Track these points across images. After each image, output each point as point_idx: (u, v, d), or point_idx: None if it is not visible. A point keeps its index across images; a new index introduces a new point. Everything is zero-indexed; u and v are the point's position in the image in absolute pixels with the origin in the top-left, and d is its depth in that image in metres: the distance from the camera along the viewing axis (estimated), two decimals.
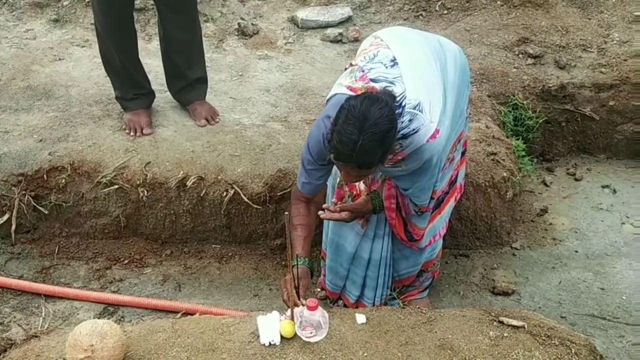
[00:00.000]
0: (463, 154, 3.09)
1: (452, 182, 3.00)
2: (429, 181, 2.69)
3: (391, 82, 2.50)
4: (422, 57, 2.61)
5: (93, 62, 4.28)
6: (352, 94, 2.49)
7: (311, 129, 2.65)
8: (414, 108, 2.45)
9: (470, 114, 3.14)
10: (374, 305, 3.11)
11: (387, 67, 2.55)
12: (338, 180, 2.96)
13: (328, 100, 2.67)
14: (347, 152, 2.31)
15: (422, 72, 2.55)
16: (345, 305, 3.21)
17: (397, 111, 2.39)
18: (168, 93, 3.92)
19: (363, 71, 2.57)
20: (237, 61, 4.53)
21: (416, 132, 2.45)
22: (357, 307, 3.12)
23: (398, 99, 2.44)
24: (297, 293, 2.54)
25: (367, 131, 2.26)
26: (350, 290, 3.16)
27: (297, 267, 2.61)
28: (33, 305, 3.23)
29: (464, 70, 2.82)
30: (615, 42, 4.54)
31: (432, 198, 2.81)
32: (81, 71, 4.27)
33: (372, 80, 2.53)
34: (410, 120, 2.45)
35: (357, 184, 2.91)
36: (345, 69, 2.71)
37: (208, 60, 3.99)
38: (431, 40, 2.75)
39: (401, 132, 2.43)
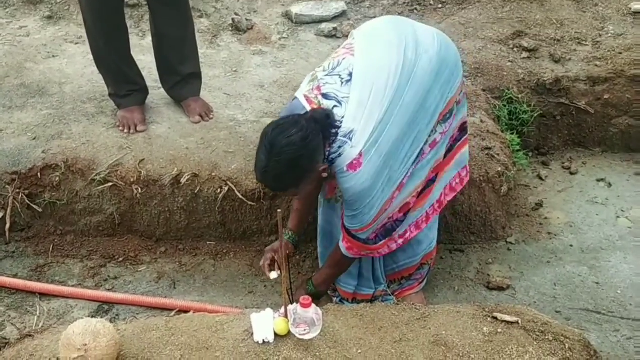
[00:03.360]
0: (465, 131, 3.06)
1: (431, 180, 2.94)
2: (355, 214, 2.68)
3: (339, 102, 2.56)
4: (381, 71, 2.59)
5: (87, 59, 4.26)
6: (307, 103, 2.59)
7: None
8: (345, 136, 2.52)
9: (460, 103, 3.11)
10: (373, 293, 3.16)
11: (342, 84, 2.59)
12: None
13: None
14: (258, 176, 2.52)
15: (369, 97, 2.55)
16: (342, 299, 3.22)
17: (331, 138, 2.51)
18: (162, 89, 3.91)
19: (319, 82, 2.62)
20: (231, 57, 4.52)
21: (339, 155, 2.53)
22: (354, 298, 3.16)
23: (336, 122, 2.52)
24: (291, 295, 2.54)
25: (272, 159, 2.41)
26: (346, 281, 3.16)
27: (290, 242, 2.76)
28: (28, 304, 3.22)
29: (442, 68, 2.71)
30: (610, 35, 4.53)
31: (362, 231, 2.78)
32: (75, 68, 4.26)
33: (323, 95, 2.59)
34: (339, 147, 2.53)
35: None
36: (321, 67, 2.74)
37: (202, 56, 3.98)
38: (407, 40, 2.66)
39: (330, 157, 2.54)
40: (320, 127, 2.46)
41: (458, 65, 2.82)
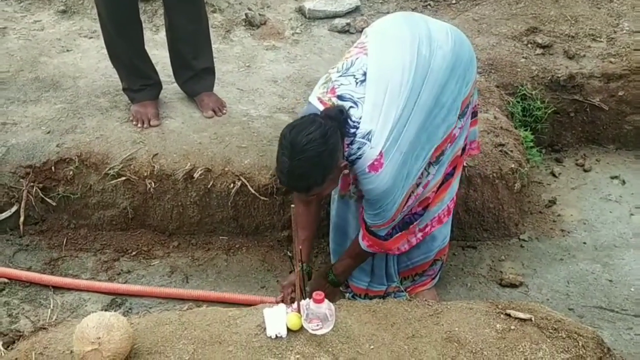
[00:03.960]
0: (474, 115, 3.05)
1: (449, 173, 2.97)
2: (378, 212, 2.69)
3: (355, 103, 2.55)
4: (395, 69, 2.58)
5: (101, 53, 4.27)
6: (321, 106, 2.57)
7: None
8: (364, 137, 2.51)
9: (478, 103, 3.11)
10: (386, 289, 3.16)
11: (356, 84, 2.58)
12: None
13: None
14: (282, 178, 2.49)
15: (385, 96, 2.55)
16: (354, 295, 3.22)
17: (350, 138, 2.50)
18: (175, 84, 3.92)
19: (333, 84, 2.61)
20: (244, 52, 4.52)
21: (360, 157, 2.52)
22: (367, 294, 3.17)
23: (353, 123, 2.51)
24: (304, 290, 2.55)
25: (295, 158, 2.39)
26: (358, 277, 3.17)
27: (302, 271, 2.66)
28: (41, 297, 3.24)
29: (457, 64, 2.70)
30: (624, 31, 4.50)
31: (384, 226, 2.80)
32: (89, 62, 4.28)
33: (339, 97, 2.57)
34: (358, 148, 2.52)
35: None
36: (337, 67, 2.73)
37: (215, 51, 3.98)
38: (421, 37, 2.65)
39: (350, 159, 2.53)
40: (336, 123, 2.45)
41: (472, 61, 2.81)
